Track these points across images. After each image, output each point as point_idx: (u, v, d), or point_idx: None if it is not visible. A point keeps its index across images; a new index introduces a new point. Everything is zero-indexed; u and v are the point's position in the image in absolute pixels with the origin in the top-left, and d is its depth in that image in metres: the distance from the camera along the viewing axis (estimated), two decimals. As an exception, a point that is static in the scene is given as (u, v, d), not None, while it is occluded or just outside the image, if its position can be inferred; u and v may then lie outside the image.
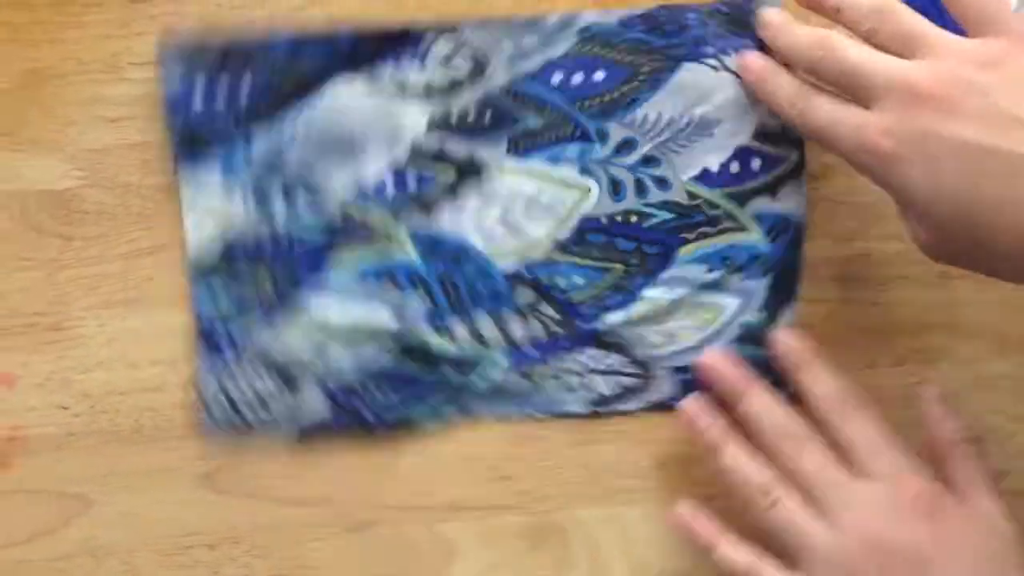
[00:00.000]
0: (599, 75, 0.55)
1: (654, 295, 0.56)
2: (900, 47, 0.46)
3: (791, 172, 0.56)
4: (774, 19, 0.52)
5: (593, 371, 0.56)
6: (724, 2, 0.55)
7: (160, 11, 0.54)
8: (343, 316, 0.55)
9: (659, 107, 0.55)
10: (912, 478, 0.50)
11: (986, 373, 0.57)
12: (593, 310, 0.56)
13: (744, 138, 0.55)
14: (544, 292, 0.56)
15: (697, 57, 0.55)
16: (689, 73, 0.55)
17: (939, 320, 0.57)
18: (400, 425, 0.55)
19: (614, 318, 0.56)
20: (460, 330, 0.56)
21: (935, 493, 0.49)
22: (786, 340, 0.54)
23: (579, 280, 0.56)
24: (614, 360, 0.56)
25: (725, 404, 0.54)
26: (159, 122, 0.54)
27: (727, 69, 0.55)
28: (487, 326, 0.56)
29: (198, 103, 0.53)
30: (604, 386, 0.57)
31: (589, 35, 0.55)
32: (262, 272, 0.54)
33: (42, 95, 0.54)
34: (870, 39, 0.47)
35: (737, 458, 0.52)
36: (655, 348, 0.56)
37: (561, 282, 0.56)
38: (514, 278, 0.56)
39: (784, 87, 0.51)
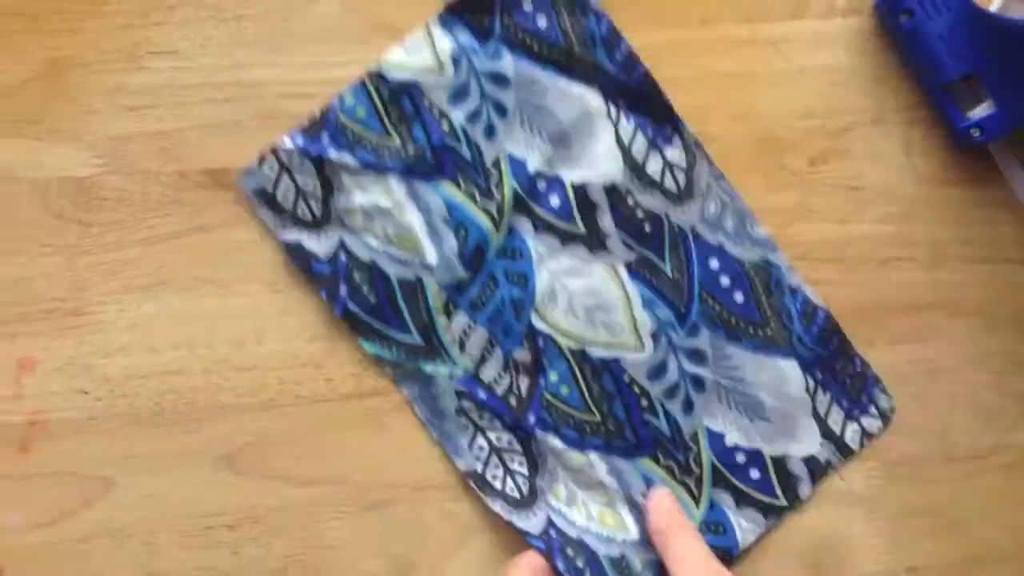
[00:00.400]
0: (739, 296, 0.58)
1: (596, 463, 0.57)
2: None
3: (767, 509, 0.58)
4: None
5: (499, 454, 0.57)
6: (864, 367, 0.59)
7: (178, 2, 0.55)
8: (411, 215, 0.56)
9: (745, 361, 0.58)
10: None
11: (978, 350, 0.59)
12: (550, 420, 0.57)
13: (768, 450, 0.58)
14: (537, 370, 0.57)
15: (805, 368, 0.58)
16: (790, 368, 0.58)
17: (932, 299, 0.59)
18: (346, 322, 0.56)
19: (554, 443, 0.57)
20: (459, 322, 0.56)
21: None
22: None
23: (564, 390, 0.57)
24: (519, 467, 0.57)
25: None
26: (178, 109, 0.55)
27: (813, 398, 0.58)
28: (477, 342, 0.57)
29: None
30: (492, 470, 0.57)
31: (765, 265, 0.58)
32: (399, 134, 0.55)
33: (63, 84, 0.55)
34: None
35: None
36: (552, 494, 0.57)
37: (553, 377, 0.57)
38: (531, 335, 0.57)
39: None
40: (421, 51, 0.55)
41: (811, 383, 0.58)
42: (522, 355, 0.57)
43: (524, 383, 0.57)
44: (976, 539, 0.59)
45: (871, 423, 0.58)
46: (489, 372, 0.57)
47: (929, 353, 0.59)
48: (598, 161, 0.56)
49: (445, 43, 0.55)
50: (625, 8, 0.57)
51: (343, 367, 0.56)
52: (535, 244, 0.57)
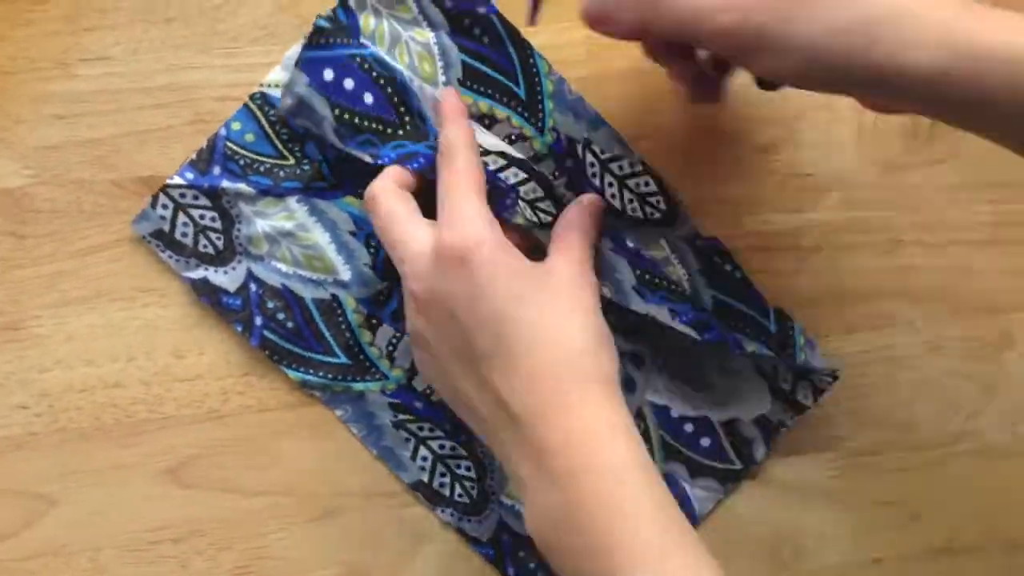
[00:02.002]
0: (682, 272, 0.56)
1: None
2: None
3: (723, 475, 0.57)
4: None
5: (443, 461, 0.56)
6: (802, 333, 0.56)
7: (108, 6, 0.54)
8: (317, 234, 0.55)
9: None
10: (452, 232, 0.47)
11: (939, 336, 0.58)
12: None
13: (716, 416, 0.57)
14: None
15: (750, 336, 0.55)
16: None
17: (891, 286, 0.58)
18: (265, 351, 0.55)
19: None
20: (383, 335, 0.55)
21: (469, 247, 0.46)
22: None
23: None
24: (466, 471, 0.56)
25: None
26: (111, 116, 0.54)
27: (758, 359, 0.56)
28: (405, 352, 0.56)
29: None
30: (438, 479, 0.56)
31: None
32: (292, 153, 0.54)
33: (-10, 94, 0.54)
34: None
35: None
36: (505, 495, 0.56)
37: None
38: None
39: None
40: (298, 84, 0.53)
41: (756, 348, 0.56)
42: None
43: None
44: (942, 528, 0.58)
45: (823, 380, 0.57)
46: (421, 381, 0.56)
47: (888, 340, 0.58)
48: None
49: (327, 64, 0.53)
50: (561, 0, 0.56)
51: (287, 375, 0.55)
52: None
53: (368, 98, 0.52)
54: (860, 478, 0.58)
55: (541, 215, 0.52)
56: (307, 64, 0.52)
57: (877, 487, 0.58)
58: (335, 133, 0.52)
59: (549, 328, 0.45)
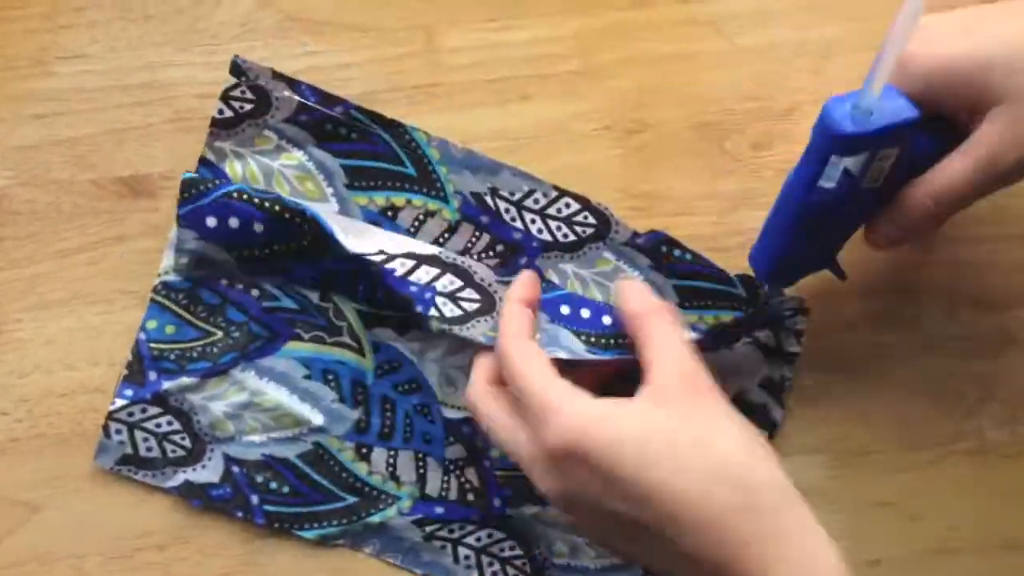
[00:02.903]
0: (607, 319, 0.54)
1: None
2: None
3: None
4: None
5: (486, 552, 0.55)
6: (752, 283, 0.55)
7: (85, 3, 0.53)
8: (273, 393, 0.54)
9: None
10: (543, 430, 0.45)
11: (938, 335, 0.57)
12: (513, 493, 0.54)
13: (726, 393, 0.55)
14: (476, 455, 0.54)
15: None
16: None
17: (888, 284, 0.57)
18: (273, 525, 0.54)
19: (531, 510, 0.54)
20: (379, 458, 0.54)
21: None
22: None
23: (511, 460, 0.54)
24: (511, 550, 0.55)
25: None
26: (90, 115, 0.53)
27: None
28: (407, 465, 0.54)
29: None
30: (488, 569, 0.55)
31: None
32: (217, 326, 0.53)
33: (-35, 93, 0.53)
34: None
35: None
36: (555, 556, 0.55)
37: (494, 452, 0.54)
38: (453, 430, 0.54)
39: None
40: (188, 241, 0.52)
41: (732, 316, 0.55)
42: (455, 452, 0.54)
43: (472, 475, 0.55)
44: (939, 529, 0.57)
45: (796, 321, 0.56)
46: (434, 485, 0.55)
47: (886, 338, 0.57)
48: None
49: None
50: (555, -9, 0.55)
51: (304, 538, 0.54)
52: (406, 346, 0.54)
53: (258, 227, 0.51)
54: (857, 478, 0.57)
55: (464, 304, 0.51)
56: (188, 219, 0.51)
57: (874, 487, 0.57)
58: (244, 274, 0.52)
59: (703, 467, 0.42)
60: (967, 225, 0.57)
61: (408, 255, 0.52)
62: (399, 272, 0.51)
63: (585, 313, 0.53)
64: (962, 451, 0.57)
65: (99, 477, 0.53)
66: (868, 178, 0.44)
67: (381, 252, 0.51)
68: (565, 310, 0.53)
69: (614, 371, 0.51)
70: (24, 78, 0.53)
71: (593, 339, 0.52)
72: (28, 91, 0.53)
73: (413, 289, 0.50)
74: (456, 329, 0.50)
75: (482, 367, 0.49)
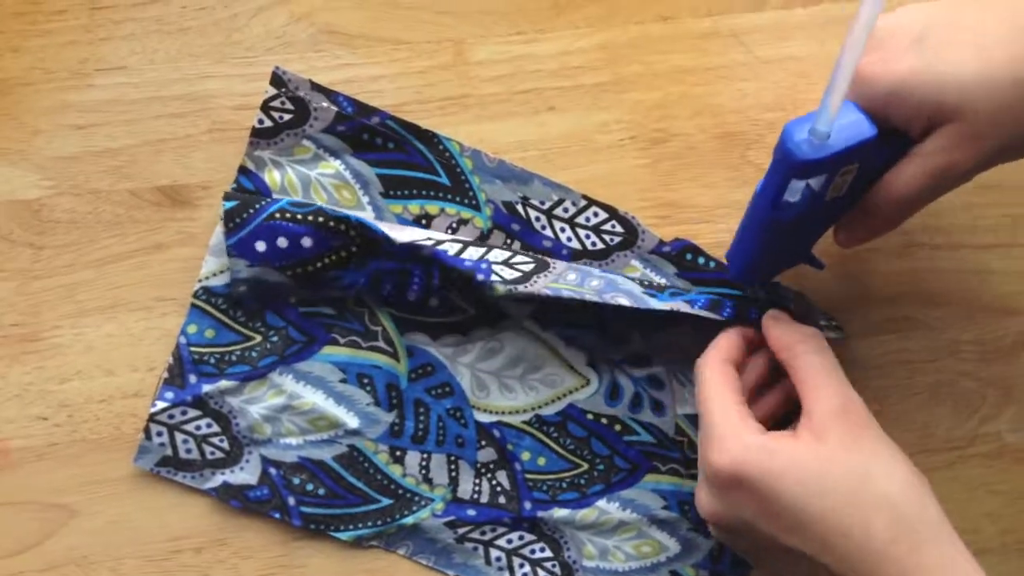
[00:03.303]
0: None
1: (607, 507, 0.56)
2: None
3: None
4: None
5: (517, 553, 0.56)
6: (805, 302, 0.56)
7: (123, 16, 0.54)
8: (310, 396, 0.55)
9: (683, 337, 0.56)
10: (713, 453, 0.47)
11: (956, 339, 0.58)
12: (544, 497, 0.56)
13: None
14: (507, 459, 0.56)
15: (741, 315, 0.54)
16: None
17: (907, 289, 0.58)
18: (311, 526, 0.55)
19: (560, 513, 0.56)
20: (412, 461, 0.55)
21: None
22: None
23: (541, 461, 0.56)
24: (541, 552, 0.56)
25: None
26: (128, 126, 0.54)
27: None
28: (440, 468, 0.55)
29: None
30: (519, 571, 0.56)
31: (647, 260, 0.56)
32: (256, 331, 0.54)
33: (7, 104, 0.53)
34: None
35: None
36: (585, 558, 0.56)
37: (525, 456, 0.56)
38: (485, 433, 0.56)
39: None
40: (241, 270, 0.53)
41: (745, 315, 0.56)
42: (486, 455, 0.56)
43: (503, 478, 0.56)
44: (959, 529, 0.57)
45: (829, 334, 0.55)
46: (466, 488, 0.56)
47: (906, 344, 0.58)
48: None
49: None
50: (583, 6, 0.56)
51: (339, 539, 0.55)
52: (439, 351, 0.55)
53: (307, 242, 0.52)
54: (878, 481, 0.58)
55: (520, 266, 0.52)
56: (237, 248, 0.52)
57: (895, 490, 0.58)
58: (301, 289, 0.54)
59: (863, 503, 0.44)
60: (984, 231, 0.58)
61: (454, 240, 0.53)
62: (451, 252, 0.52)
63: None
64: (981, 454, 0.58)
65: (136, 481, 0.54)
66: (831, 191, 0.45)
67: (429, 238, 0.52)
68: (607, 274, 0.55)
69: (783, 407, 0.52)
70: (64, 89, 0.54)
71: (646, 283, 0.54)
72: (68, 102, 0.54)
73: (468, 264, 0.52)
74: (521, 287, 0.51)
75: (725, 342, 0.51)
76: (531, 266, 0.53)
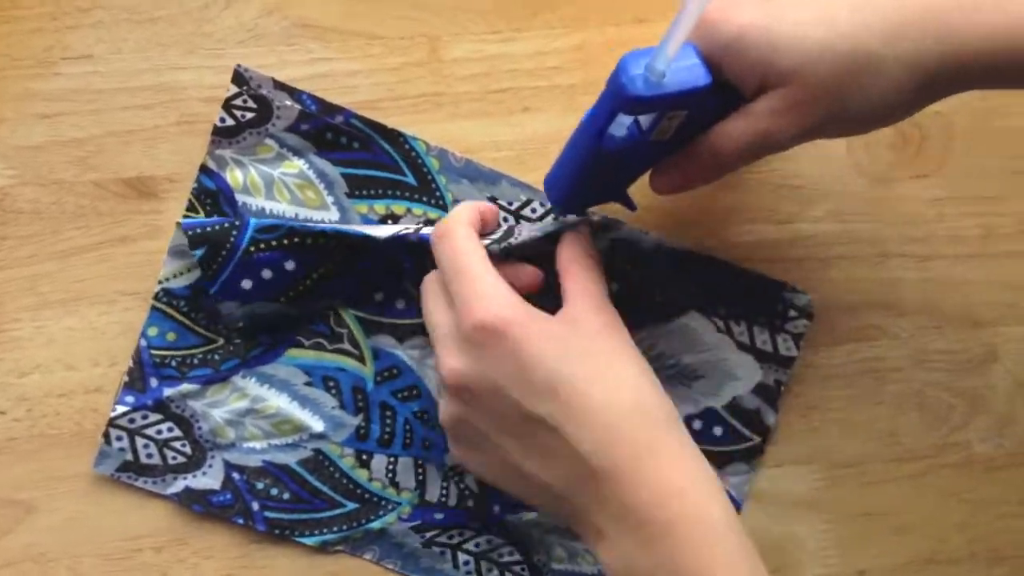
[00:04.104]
0: (614, 287, 0.55)
1: None
2: None
3: (746, 454, 0.57)
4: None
5: (485, 557, 0.55)
6: (763, 280, 0.56)
7: (91, 4, 0.53)
8: (274, 400, 0.54)
9: (656, 339, 0.56)
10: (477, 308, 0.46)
11: (925, 349, 0.58)
12: (512, 500, 0.54)
13: (717, 402, 0.56)
14: None
15: (707, 311, 0.55)
16: (694, 321, 0.56)
17: (877, 298, 0.58)
18: (274, 530, 0.54)
19: (529, 516, 0.55)
20: (379, 465, 0.55)
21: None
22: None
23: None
24: (510, 556, 0.56)
25: None
26: (95, 116, 0.53)
27: (729, 334, 0.56)
28: (407, 472, 0.55)
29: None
30: (487, 575, 0.55)
31: (621, 244, 0.55)
32: (218, 333, 0.54)
33: (-29, 92, 0.53)
34: None
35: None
36: (554, 561, 0.56)
37: None
38: None
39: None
40: (233, 312, 0.53)
41: (719, 322, 0.56)
42: (454, 458, 0.54)
43: (471, 481, 0.55)
44: (927, 539, 0.58)
45: (796, 324, 0.57)
46: (433, 492, 0.55)
47: (875, 352, 0.58)
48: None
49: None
50: (560, 7, 0.56)
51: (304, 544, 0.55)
52: (406, 353, 0.55)
53: (289, 265, 0.52)
54: (846, 489, 0.58)
55: (499, 230, 0.51)
56: (224, 292, 0.52)
57: (862, 499, 0.58)
58: (299, 309, 0.53)
59: (608, 377, 0.45)
60: (955, 242, 0.58)
61: (429, 223, 0.53)
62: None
63: None
64: (950, 464, 0.58)
65: (97, 478, 0.53)
66: (656, 132, 0.45)
67: (407, 228, 0.52)
68: None
69: (536, 289, 0.51)
70: (29, 77, 0.53)
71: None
72: (33, 91, 0.53)
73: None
74: (509, 242, 0.50)
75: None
76: (508, 225, 0.52)
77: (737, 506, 0.56)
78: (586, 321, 0.47)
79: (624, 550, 0.43)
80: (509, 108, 0.56)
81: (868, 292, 0.58)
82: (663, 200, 0.56)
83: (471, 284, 0.46)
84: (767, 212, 0.57)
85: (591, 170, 0.47)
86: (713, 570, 0.42)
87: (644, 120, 0.45)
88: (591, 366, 0.45)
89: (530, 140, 0.56)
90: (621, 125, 0.45)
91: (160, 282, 0.53)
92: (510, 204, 0.55)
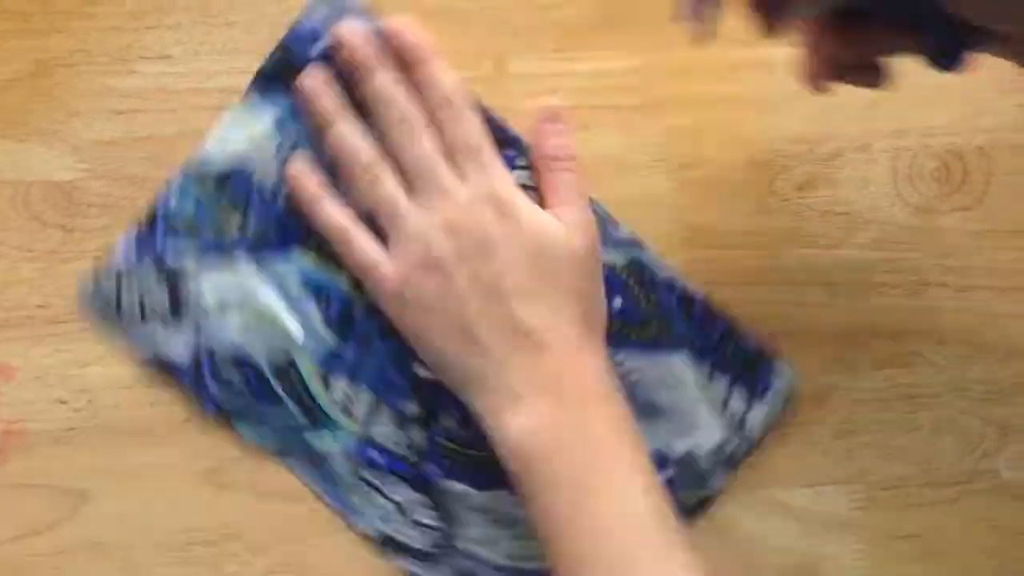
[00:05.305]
0: (617, 301, 0.56)
1: (503, 497, 0.54)
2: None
3: (695, 506, 0.57)
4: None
5: (403, 510, 0.55)
6: (758, 350, 0.57)
7: (171, 6, 0.54)
8: (265, 298, 0.54)
9: (635, 362, 0.56)
10: (492, 180, 0.51)
11: (961, 378, 0.60)
12: (450, 466, 0.55)
13: (673, 448, 0.56)
14: (432, 417, 0.55)
15: (695, 358, 0.56)
16: (678, 363, 0.56)
17: (916, 326, 0.59)
18: (222, 422, 0.54)
19: (458, 487, 0.55)
20: (340, 391, 0.55)
21: (508, 196, 0.51)
22: (405, 34, 0.52)
23: (463, 433, 0.55)
24: (427, 518, 0.55)
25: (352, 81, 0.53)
26: (169, 115, 0.54)
27: (707, 388, 0.56)
28: (364, 405, 0.55)
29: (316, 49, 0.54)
30: (399, 527, 0.55)
31: (636, 264, 0.56)
32: (235, 217, 0.54)
33: (49, 85, 0.54)
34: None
35: (347, 134, 0.52)
36: (465, 539, 0.55)
37: (449, 421, 0.55)
38: (419, 386, 0.55)
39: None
40: (243, 126, 0.54)
41: (703, 373, 0.57)
42: (411, 408, 0.55)
43: (419, 436, 0.55)
44: (958, 563, 0.59)
45: (773, 404, 0.57)
46: (381, 431, 0.55)
47: (912, 379, 0.59)
48: None
49: (266, 113, 0.54)
50: (622, 29, 0.57)
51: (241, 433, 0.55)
52: None
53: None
54: (881, 511, 0.59)
55: None
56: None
57: (896, 521, 0.59)
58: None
59: (576, 273, 0.51)
60: (993, 274, 0.60)
61: None
62: None
63: None
64: (982, 489, 0.59)
65: (152, 470, 0.54)
66: None
67: None
68: None
69: None
70: (105, 74, 0.54)
71: None
72: (109, 87, 0.54)
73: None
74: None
75: None
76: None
77: None
78: (569, 222, 0.52)
79: (538, 410, 0.48)
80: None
81: (908, 320, 0.59)
82: (714, 219, 0.57)
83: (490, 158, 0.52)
84: (814, 236, 0.59)
85: None
86: (622, 436, 0.49)
87: None
88: (572, 258, 0.51)
89: (587, 158, 0.56)
90: None
91: (198, 153, 0.54)
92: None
